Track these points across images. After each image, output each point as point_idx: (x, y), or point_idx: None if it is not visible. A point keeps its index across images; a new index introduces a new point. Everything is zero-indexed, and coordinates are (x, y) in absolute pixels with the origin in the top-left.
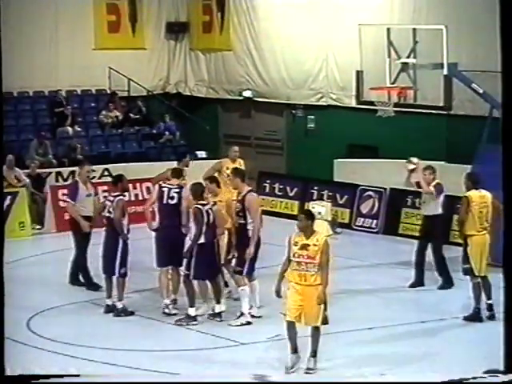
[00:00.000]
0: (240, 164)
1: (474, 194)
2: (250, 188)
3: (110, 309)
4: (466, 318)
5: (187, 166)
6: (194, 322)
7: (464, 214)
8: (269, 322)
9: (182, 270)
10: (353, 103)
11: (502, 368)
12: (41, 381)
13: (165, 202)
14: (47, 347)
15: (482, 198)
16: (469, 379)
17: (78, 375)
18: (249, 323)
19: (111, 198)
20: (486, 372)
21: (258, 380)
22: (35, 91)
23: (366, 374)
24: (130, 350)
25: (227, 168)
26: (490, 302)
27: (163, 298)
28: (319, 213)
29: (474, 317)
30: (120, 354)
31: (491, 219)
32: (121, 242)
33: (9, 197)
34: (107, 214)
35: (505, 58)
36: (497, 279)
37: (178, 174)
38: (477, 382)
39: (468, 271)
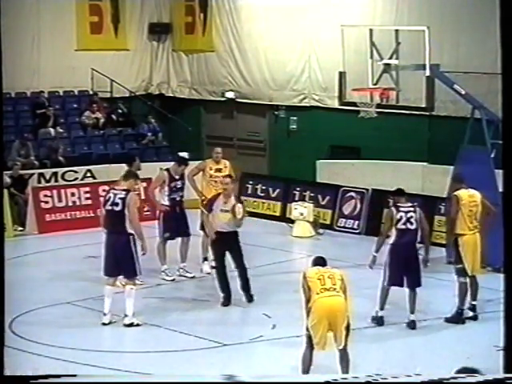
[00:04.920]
0: (225, 165)
1: (463, 193)
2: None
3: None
4: (448, 320)
5: (139, 169)
6: None
7: (454, 213)
8: (252, 323)
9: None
10: (335, 104)
11: (501, 368)
12: (40, 381)
13: (109, 208)
14: (29, 349)
15: (471, 197)
16: (449, 379)
17: (75, 375)
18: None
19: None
20: (459, 371)
21: (227, 380)
22: (17, 92)
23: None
24: (111, 351)
25: (210, 168)
26: (474, 302)
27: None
28: (301, 214)
29: (457, 318)
30: (101, 355)
31: (480, 219)
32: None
33: None
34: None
35: (505, 58)
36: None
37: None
38: (456, 381)
39: (460, 271)
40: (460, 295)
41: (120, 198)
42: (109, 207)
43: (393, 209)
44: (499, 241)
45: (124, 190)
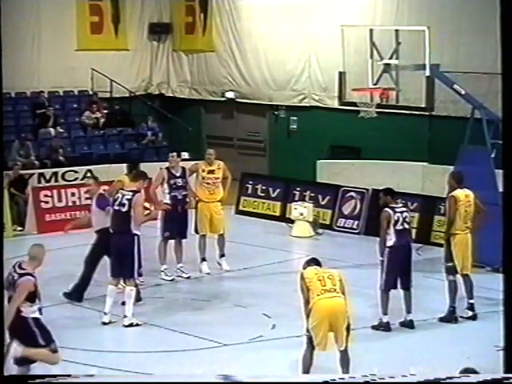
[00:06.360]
0: (219, 166)
1: (460, 194)
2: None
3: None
4: (442, 319)
5: None
6: None
7: (453, 214)
8: (252, 323)
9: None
10: (335, 104)
11: (501, 368)
12: (38, 381)
13: (116, 208)
14: None
15: (466, 197)
16: (445, 379)
17: (70, 375)
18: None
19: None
20: (462, 372)
21: (224, 380)
22: (17, 92)
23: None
24: (112, 351)
25: (203, 170)
26: (471, 301)
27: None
28: (301, 214)
29: (449, 317)
30: (101, 356)
31: (473, 218)
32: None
33: None
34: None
35: (505, 58)
36: (477, 280)
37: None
38: (452, 381)
39: (450, 269)
40: (450, 293)
41: (127, 199)
42: (116, 207)
43: (389, 210)
44: (498, 241)
45: (132, 191)
